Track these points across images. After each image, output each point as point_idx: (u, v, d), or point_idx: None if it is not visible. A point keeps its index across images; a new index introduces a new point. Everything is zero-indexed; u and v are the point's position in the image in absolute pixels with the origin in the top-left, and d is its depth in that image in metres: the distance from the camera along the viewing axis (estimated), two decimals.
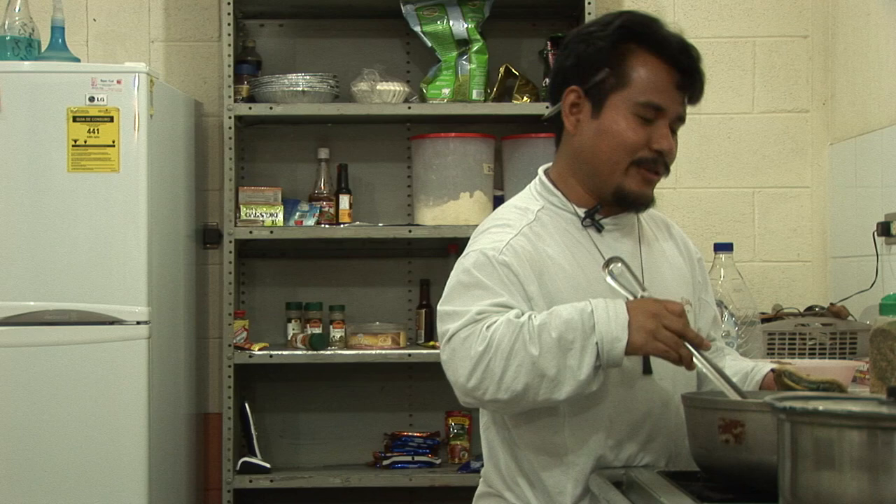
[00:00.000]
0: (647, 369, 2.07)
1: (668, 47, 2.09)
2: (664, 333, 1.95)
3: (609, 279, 2.02)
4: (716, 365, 1.99)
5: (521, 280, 2.06)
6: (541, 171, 2.25)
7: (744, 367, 2.25)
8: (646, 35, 2.10)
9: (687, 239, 2.36)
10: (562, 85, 2.15)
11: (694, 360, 1.96)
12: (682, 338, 1.95)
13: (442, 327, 2.05)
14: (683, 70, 2.11)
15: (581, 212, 2.16)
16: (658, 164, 2.12)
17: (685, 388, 2.16)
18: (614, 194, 2.13)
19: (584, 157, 2.14)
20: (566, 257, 2.11)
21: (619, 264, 2.02)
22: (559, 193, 2.18)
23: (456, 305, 2.04)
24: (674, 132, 2.14)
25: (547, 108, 2.29)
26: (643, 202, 2.16)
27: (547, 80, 3.70)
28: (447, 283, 2.11)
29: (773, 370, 2.15)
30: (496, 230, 2.14)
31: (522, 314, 1.99)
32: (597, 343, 1.94)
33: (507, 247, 2.08)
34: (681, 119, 2.15)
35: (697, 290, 2.29)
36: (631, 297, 2.00)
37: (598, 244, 2.15)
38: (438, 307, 2.09)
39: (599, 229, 2.16)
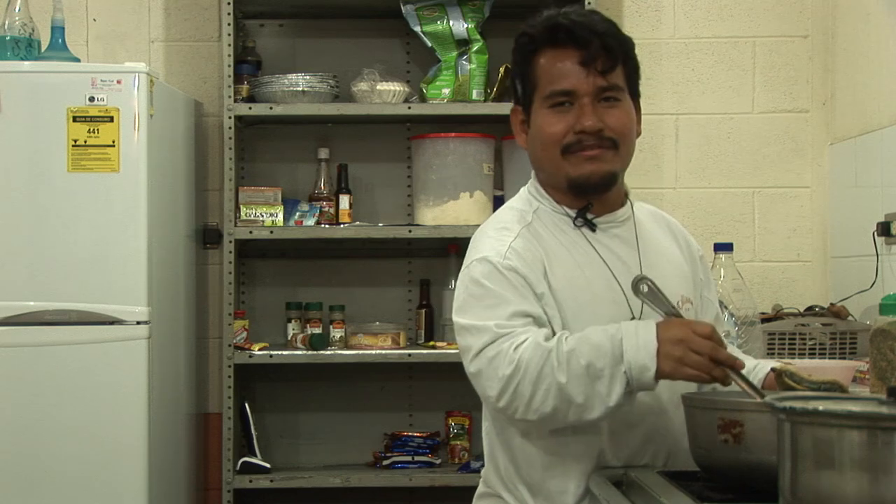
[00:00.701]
0: None
1: (556, 33, 2.11)
2: (693, 358, 1.94)
3: (645, 301, 2.02)
4: (749, 381, 1.98)
5: (530, 282, 2.07)
6: (533, 174, 2.27)
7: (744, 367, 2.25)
8: (540, 32, 2.14)
9: (689, 236, 2.35)
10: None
11: (730, 377, 1.96)
12: (714, 360, 1.94)
13: (462, 341, 2.07)
14: (579, 45, 2.10)
15: (572, 212, 2.17)
16: (586, 142, 2.10)
17: (684, 387, 2.15)
18: (568, 187, 2.14)
19: (535, 165, 2.20)
20: (564, 256, 2.13)
21: (647, 284, 2.01)
22: (549, 197, 2.20)
23: (473, 319, 2.05)
24: (611, 101, 2.11)
25: None
26: (597, 182, 2.14)
27: None
28: (456, 292, 2.14)
29: (773, 369, 2.15)
30: (495, 234, 2.15)
31: (552, 335, 2.01)
32: (625, 372, 1.95)
33: (509, 250, 2.09)
34: (609, 89, 2.11)
35: (699, 288, 2.29)
36: (660, 318, 2.00)
37: (594, 243, 2.15)
38: (454, 318, 2.10)
39: (593, 228, 2.17)
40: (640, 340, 1.95)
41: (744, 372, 2.20)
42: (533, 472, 2.13)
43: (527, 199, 2.23)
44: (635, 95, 2.18)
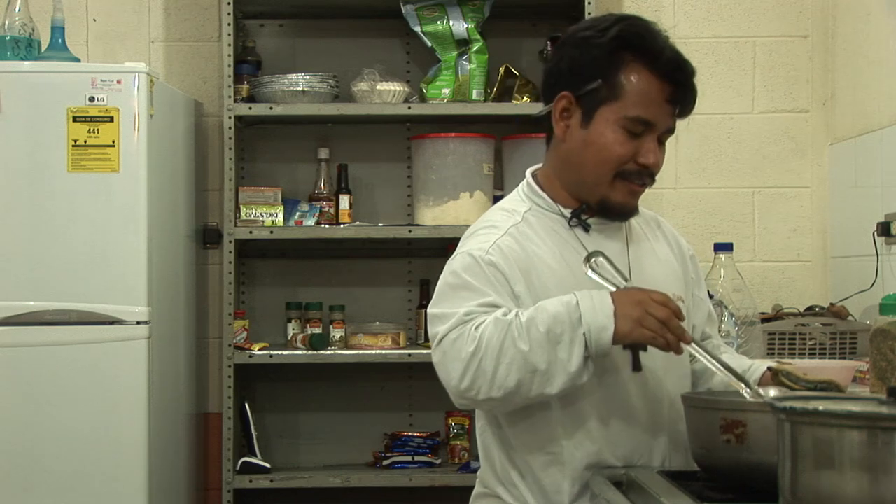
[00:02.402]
0: (637, 366, 2.07)
1: (662, 61, 2.09)
2: (650, 321, 1.97)
3: (590, 273, 2.03)
4: (709, 350, 2.02)
5: (509, 279, 2.08)
6: (528, 172, 2.27)
7: (740, 366, 2.24)
8: (642, 47, 2.09)
9: (678, 236, 2.36)
10: (554, 87, 2.15)
11: (685, 346, 1.99)
12: (666, 326, 1.97)
13: (432, 330, 2.07)
14: (676, 84, 2.10)
15: (567, 212, 2.18)
16: (643, 176, 2.13)
17: (678, 385, 2.15)
18: (598, 204, 2.15)
19: (571, 165, 2.16)
20: (554, 256, 2.13)
21: (601, 258, 2.03)
22: (545, 195, 2.19)
23: (444, 308, 2.06)
24: (661, 143, 2.15)
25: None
26: (626, 213, 2.18)
27: None
28: (437, 286, 2.14)
29: (769, 369, 2.15)
30: (483, 231, 2.16)
31: (509, 312, 2.01)
32: (584, 333, 1.97)
33: (493, 247, 2.10)
34: (670, 131, 2.15)
35: (690, 287, 2.29)
36: (614, 289, 2.01)
37: (586, 243, 2.16)
38: (428, 310, 2.11)
39: (586, 229, 2.17)
40: (596, 304, 1.97)
41: (740, 371, 2.21)
42: (529, 469, 2.13)
43: (518, 199, 2.23)
44: None
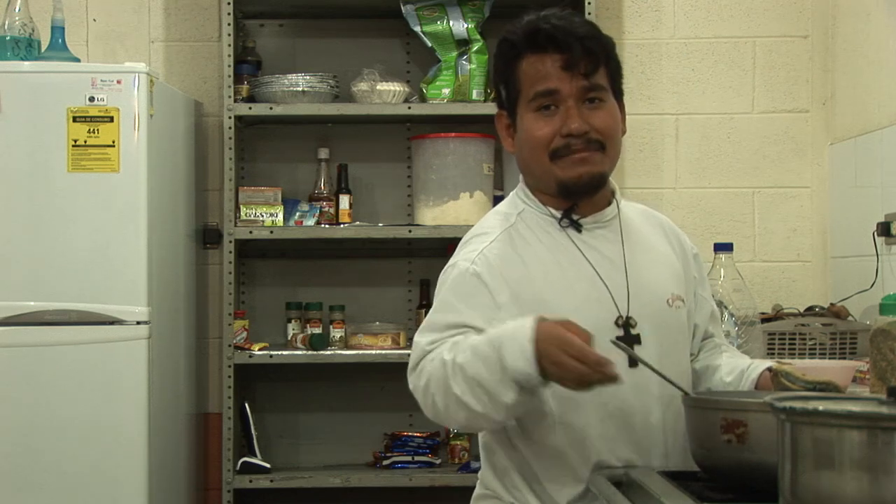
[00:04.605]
0: (632, 363, 2.07)
1: (537, 38, 2.12)
2: (570, 376, 1.89)
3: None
4: (651, 367, 2.03)
5: (491, 290, 2.09)
6: (522, 175, 2.28)
7: (739, 365, 2.24)
8: (522, 39, 2.14)
9: (682, 235, 2.34)
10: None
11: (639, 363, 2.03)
12: (585, 362, 1.88)
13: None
14: (561, 49, 2.10)
15: (557, 213, 2.18)
16: (578, 143, 2.11)
17: (675, 379, 2.14)
18: (558, 190, 2.15)
19: (525, 170, 2.21)
20: (548, 257, 2.13)
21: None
22: (535, 199, 2.21)
23: (428, 323, 2.12)
24: (595, 102, 2.12)
25: None
26: (586, 184, 2.14)
27: None
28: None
29: (769, 369, 2.15)
30: (476, 241, 2.17)
31: (459, 342, 2.01)
32: (512, 379, 1.93)
33: (479, 256, 2.11)
34: (592, 89, 2.12)
35: (692, 287, 2.28)
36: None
37: (580, 244, 2.16)
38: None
39: (578, 229, 2.17)
40: (519, 351, 1.90)
41: (739, 370, 2.21)
42: (530, 470, 2.13)
43: (513, 202, 2.24)
44: (619, 95, 2.19)
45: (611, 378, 1.88)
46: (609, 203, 2.21)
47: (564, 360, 1.88)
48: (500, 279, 2.09)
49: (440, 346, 2.04)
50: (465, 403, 1.97)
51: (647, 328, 2.12)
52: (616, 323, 2.10)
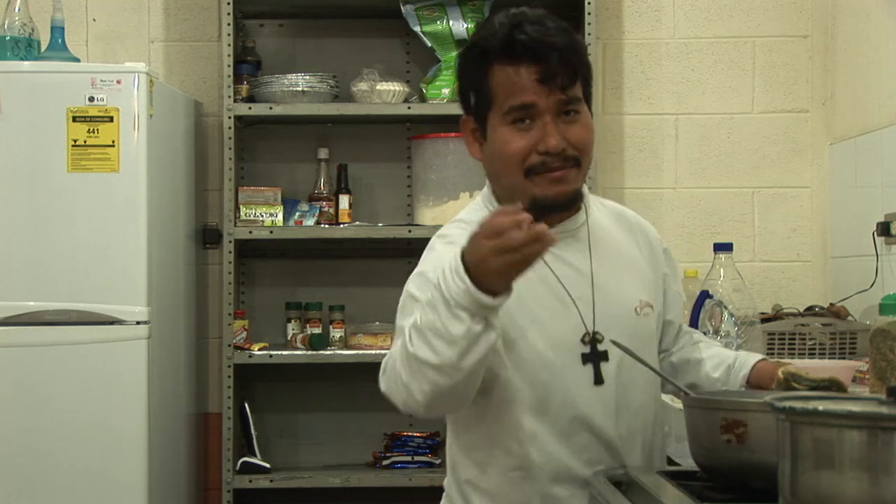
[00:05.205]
0: (599, 380, 2.04)
1: (517, 49, 2.01)
2: (507, 258, 1.77)
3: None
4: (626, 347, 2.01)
5: None
6: (489, 182, 2.18)
7: (725, 359, 2.21)
8: (496, 45, 2.03)
9: (648, 230, 2.26)
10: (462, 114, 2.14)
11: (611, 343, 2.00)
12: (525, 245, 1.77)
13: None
14: (538, 61, 2.00)
15: None
16: (555, 161, 2.02)
17: (645, 392, 2.12)
18: (531, 206, 1.97)
19: (493, 180, 2.13)
20: None
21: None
22: (498, 205, 2.12)
23: (397, 334, 1.99)
24: (571, 115, 2.03)
25: None
26: (562, 204, 2.07)
27: None
28: None
29: (762, 360, 2.14)
30: (441, 248, 2.09)
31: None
32: (454, 306, 1.82)
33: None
34: (568, 102, 2.03)
35: (662, 285, 2.22)
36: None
37: (546, 256, 1.95)
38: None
39: None
40: (450, 271, 1.83)
41: (725, 366, 2.19)
42: (494, 483, 2.08)
43: (477, 210, 2.16)
44: (588, 100, 2.10)
45: (540, 236, 1.75)
46: (578, 209, 2.14)
47: (491, 244, 1.76)
48: None
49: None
50: (424, 360, 1.84)
51: (615, 339, 2.06)
52: (583, 340, 2.05)
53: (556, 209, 2.08)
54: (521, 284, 1.94)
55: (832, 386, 1.99)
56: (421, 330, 1.86)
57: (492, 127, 2.06)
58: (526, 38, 2.01)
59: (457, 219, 2.18)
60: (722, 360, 2.22)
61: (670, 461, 2.48)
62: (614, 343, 2.02)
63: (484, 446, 2.09)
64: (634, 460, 2.11)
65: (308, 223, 4.00)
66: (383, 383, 1.98)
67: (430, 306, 1.86)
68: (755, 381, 2.15)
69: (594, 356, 2.04)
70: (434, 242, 2.15)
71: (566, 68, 2.01)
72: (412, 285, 2.07)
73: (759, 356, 2.20)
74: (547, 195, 2.04)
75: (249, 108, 3.94)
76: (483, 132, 2.09)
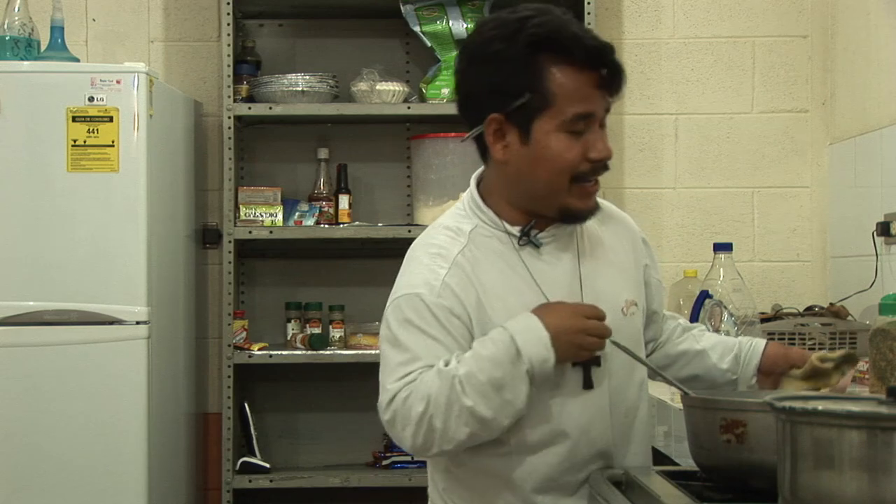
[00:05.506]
0: (588, 384, 2.04)
1: (582, 52, 1.96)
2: (589, 341, 1.97)
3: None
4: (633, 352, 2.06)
5: (464, 322, 1.99)
6: (473, 180, 2.13)
7: (729, 348, 2.21)
8: (557, 44, 1.96)
9: (626, 218, 2.25)
10: (478, 110, 2.02)
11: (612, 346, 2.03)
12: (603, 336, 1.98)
13: (382, 378, 1.99)
14: (602, 69, 1.98)
15: (515, 230, 2.06)
16: (598, 172, 2.02)
17: (633, 393, 2.11)
18: (560, 214, 2.03)
19: (521, 184, 2.03)
20: (503, 285, 2.02)
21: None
22: (489, 212, 2.08)
23: (394, 356, 1.98)
24: (602, 127, 2.02)
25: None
26: (587, 215, 2.07)
27: None
28: (383, 323, 2.05)
29: (768, 344, 2.17)
30: (428, 261, 2.03)
31: (450, 360, 1.94)
32: (527, 371, 1.92)
33: (443, 287, 1.99)
34: (607, 111, 2.03)
35: (642, 276, 2.21)
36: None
37: (533, 267, 2.04)
38: (381, 347, 2.03)
39: (537, 246, 2.06)
40: (532, 335, 1.92)
41: (733, 354, 2.21)
42: (480, 492, 2.08)
43: (463, 215, 2.10)
44: None
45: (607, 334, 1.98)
46: None
47: (584, 324, 1.95)
48: (468, 309, 1.99)
49: (421, 374, 1.94)
50: (477, 414, 1.90)
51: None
52: None
53: (578, 221, 2.07)
54: (512, 298, 2.00)
55: (848, 359, 2.11)
56: (481, 384, 1.91)
57: (541, 130, 1.98)
58: (588, 40, 1.97)
59: (440, 225, 2.11)
60: (726, 349, 2.21)
61: (662, 456, 2.49)
62: (614, 343, 2.01)
63: (465, 459, 2.06)
64: (627, 457, 2.10)
65: (308, 223, 4.00)
66: (388, 414, 1.96)
67: (491, 363, 1.91)
68: (768, 368, 2.15)
69: (586, 362, 2.03)
70: (419, 254, 2.07)
71: (619, 76, 1.99)
72: (409, 310, 2.00)
73: (763, 341, 2.20)
74: (580, 207, 2.03)
75: (249, 108, 3.94)
76: (525, 132, 1.99)
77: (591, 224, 2.13)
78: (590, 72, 1.96)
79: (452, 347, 1.97)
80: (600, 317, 1.97)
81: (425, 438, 1.94)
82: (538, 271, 2.04)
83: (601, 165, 2.01)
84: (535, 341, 1.91)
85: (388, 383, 1.97)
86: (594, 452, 2.07)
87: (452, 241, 2.06)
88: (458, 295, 1.99)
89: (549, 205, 2.02)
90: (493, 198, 2.09)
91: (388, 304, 2.06)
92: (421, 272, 2.03)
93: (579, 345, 1.95)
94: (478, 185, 2.12)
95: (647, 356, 2.23)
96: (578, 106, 1.96)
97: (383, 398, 1.97)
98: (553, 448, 2.04)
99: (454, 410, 1.91)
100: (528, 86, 1.96)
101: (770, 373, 2.17)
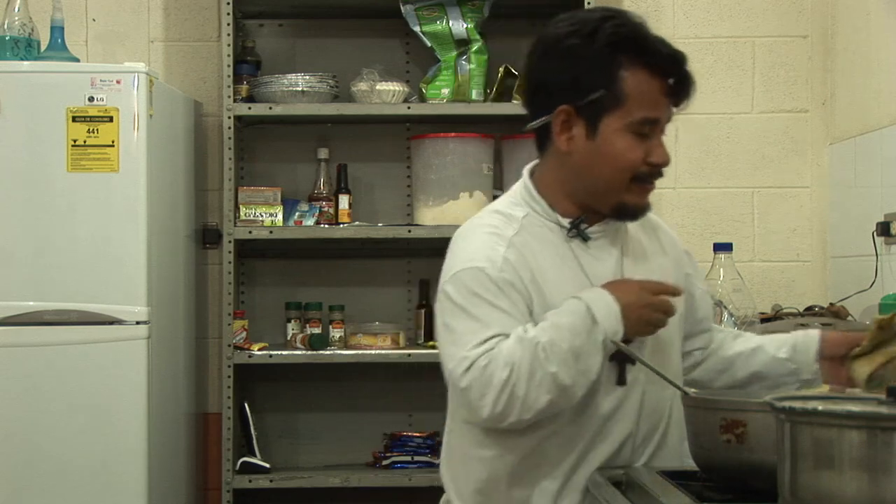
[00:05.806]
0: (622, 380, 2.07)
1: (657, 57, 2.06)
2: (655, 317, 2.03)
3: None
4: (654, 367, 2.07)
5: (524, 296, 2.04)
6: (526, 172, 2.19)
7: (785, 340, 2.25)
8: (636, 47, 2.05)
9: (668, 229, 2.34)
10: (547, 100, 2.08)
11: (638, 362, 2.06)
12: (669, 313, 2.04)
13: (449, 349, 2.01)
14: (674, 78, 2.07)
15: (566, 222, 2.12)
16: (656, 175, 2.11)
17: (661, 392, 2.13)
18: (614, 209, 2.11)
19: (582, 177, 2.10)
20: (554, 271, 2.08)
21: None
22: (543, 201, 2.13)
23: (462, 325, 2.01)
24: (661, 133, 2.12)
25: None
26: (642, 213, 2.15)
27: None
28: (442, 297, 2.06)
29: (823, 331, 2.21)
30: (486, 237, 2.08)
31: (527, 330, 1.99)
32: (603, 340, 1.98)
33: (504, 262, 2.04)
34: (668, 120, 2.12)
35: (686, 284, 2.26)
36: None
37: (581, 258, 2.11)
38: (440, 325, 2.05)
39: (585, 239, 2.12)
40: (605, 307, 1.99)
41: (789, 345, 2.24)
42: (502, 486, 2.10)
43: (515, 203, 2.16)
44: None
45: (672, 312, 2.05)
46: None
47: (651, 300, 2.01)
48: (528, 285, 2.05)
49: (498, 342, 1.97)
50: (559, 381, 1.95)
51: (641, 342, 2.10)
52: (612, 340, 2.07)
53: (632, 217, 2.14)
54: (562, 286, 2.06)
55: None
56: (563, 352, 1.95)
57: (609, 127, 2.05)
58: (665, 48, 2.06)
59: (491, 209, 2.19)
60: (782, 341, 2.26)
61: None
62: (615, 343, 2.02)
63: (490, 451, 2.09)
64: (645, 458, 2.12)
65: (308, 223, 4.00)
66: (464, 381, 1.97)
67: (571, 332, 1.96)
68: (830, 352, 2.17)
69: (621, 356, 2.06)
70: (473, 233, 2.12)
71: (691, 87, 2.09)
72: (473, 283, 2.03)
73: (818, 330, 2.23)
74: (635, 203, 2.11)
75: (249, 108, 3.94)
76: (593, 127, 2.06)
77: (634, 229, 2.20)
78: (661, 79, 2.05)
79: (520, 319, 2.01)
80: (667, 293, 2.03)
81: (505, 405, 1.96)
82: (585, 263, 2.11)
83: (658, 171, 2.09)
84: (608, 313, 1.98)
85: (463, 351, 1.98)
86: (619, 448, 2.10)
87: (506, 223, 2.12)
88: (517, 271, 2.05)
89: (606, 200, 2.10)
90: (548, 188, 2.15)
91: (444, 280, 2.08)
92: (480, 248, 2.07)
93: (647, 320, 2.01)
94: (530, 176, 2.19)
95: (698, 365, 2.31)
96: (647, 110, 2.05)
97: (458, 367, 1.98)
98: (578, 445, 2.07)
99: (536, 377, 1.95)
100: (602, 83, 2.04)
101: (832, 357, 2.19)
